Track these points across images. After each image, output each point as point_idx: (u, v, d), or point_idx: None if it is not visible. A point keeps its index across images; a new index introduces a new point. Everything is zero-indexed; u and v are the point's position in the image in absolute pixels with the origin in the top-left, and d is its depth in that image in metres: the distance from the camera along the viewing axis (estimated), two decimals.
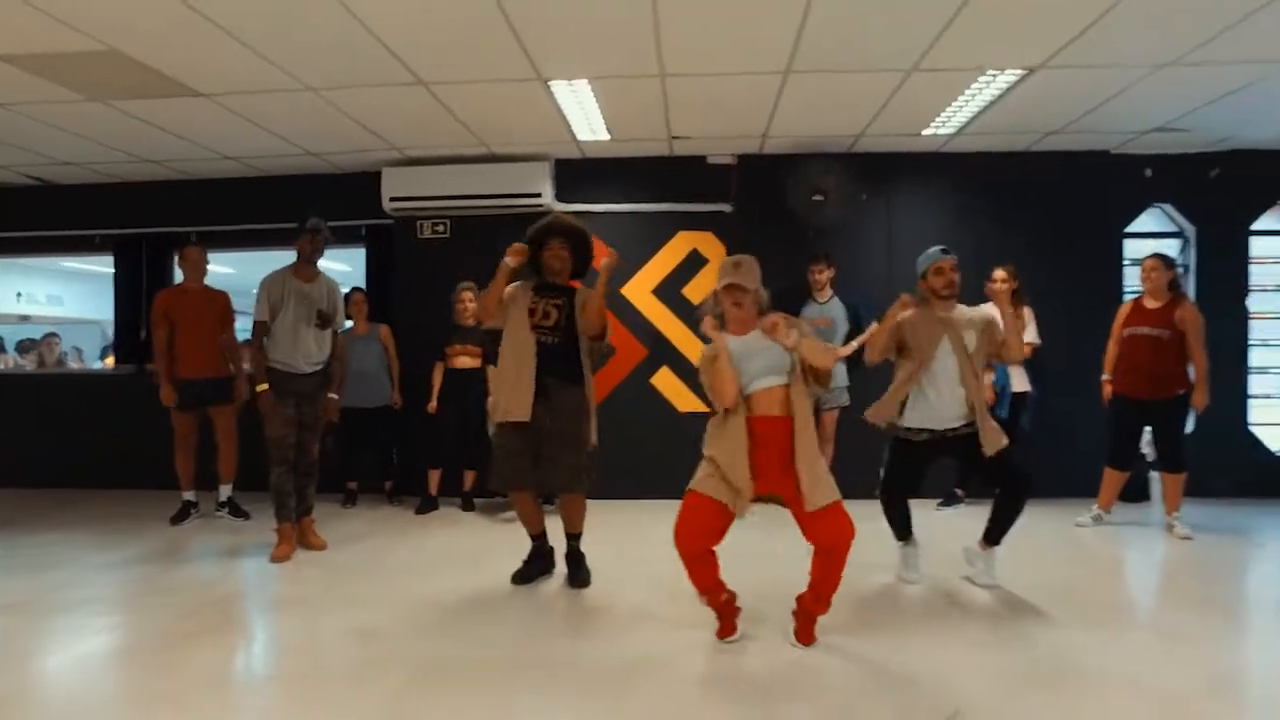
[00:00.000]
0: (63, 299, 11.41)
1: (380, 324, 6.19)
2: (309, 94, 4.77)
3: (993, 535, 3.93)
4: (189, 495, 5.57)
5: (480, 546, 4.92)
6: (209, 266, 5.64)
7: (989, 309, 4.01)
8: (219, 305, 5.59)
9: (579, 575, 4.10)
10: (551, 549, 4.27)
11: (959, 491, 5.82)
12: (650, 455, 5.89)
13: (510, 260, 3.86)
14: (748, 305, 3.23)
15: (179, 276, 5.75)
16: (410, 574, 4.32)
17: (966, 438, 3.82)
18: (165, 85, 4.55)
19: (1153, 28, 3.91)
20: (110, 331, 10.03)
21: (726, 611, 3.30)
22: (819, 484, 3.05)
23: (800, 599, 3.27)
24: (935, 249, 3.94)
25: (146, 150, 5.89)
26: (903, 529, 4.12)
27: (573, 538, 4.16)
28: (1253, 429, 6.16)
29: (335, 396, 4.93)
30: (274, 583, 4.26)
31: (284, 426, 4.60)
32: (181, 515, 5.51)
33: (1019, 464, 3.81)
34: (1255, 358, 6.19)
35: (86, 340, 10.61)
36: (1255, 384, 6.18)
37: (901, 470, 4.03)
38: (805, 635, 3.24)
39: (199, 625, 3.54)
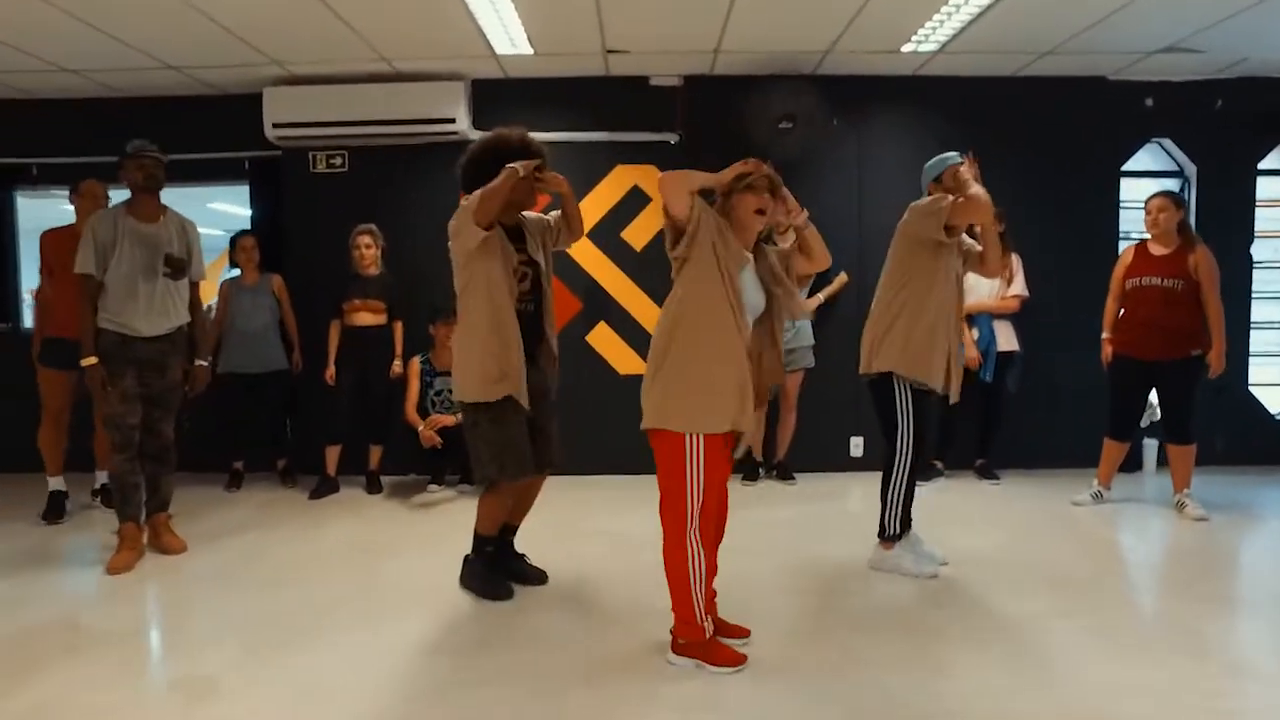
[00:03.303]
0: None
1: (272, 274, 5.26)
2: None
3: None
4: (56, 484, 4.54)
5: (385, 540, 4.15)
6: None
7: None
8: None
9: (534, 571, 3.50)
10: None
11: (938, 464, 5.16)
12: (588, 424, 5.07)
13: (521, 170, 3.06)
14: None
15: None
16: (284, 586, 3.47)
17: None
18: None
19: None
20: None
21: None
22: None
23: None
24: (953, 153, 3.51)
25: None
26: (908, 515, 3.57)
27: (514, 529, 3.51)
28: (1252, 389, 5.59)
29: (204, 363, 4.03)
30: (95, 608, 3.35)
31: (121, 403, 3.69)
32: (55, 510, 4.48)
33: None
34: (1256, 312, 5.60)
35: None
36: (1255, 340, 5.59)
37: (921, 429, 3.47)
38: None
39: None
